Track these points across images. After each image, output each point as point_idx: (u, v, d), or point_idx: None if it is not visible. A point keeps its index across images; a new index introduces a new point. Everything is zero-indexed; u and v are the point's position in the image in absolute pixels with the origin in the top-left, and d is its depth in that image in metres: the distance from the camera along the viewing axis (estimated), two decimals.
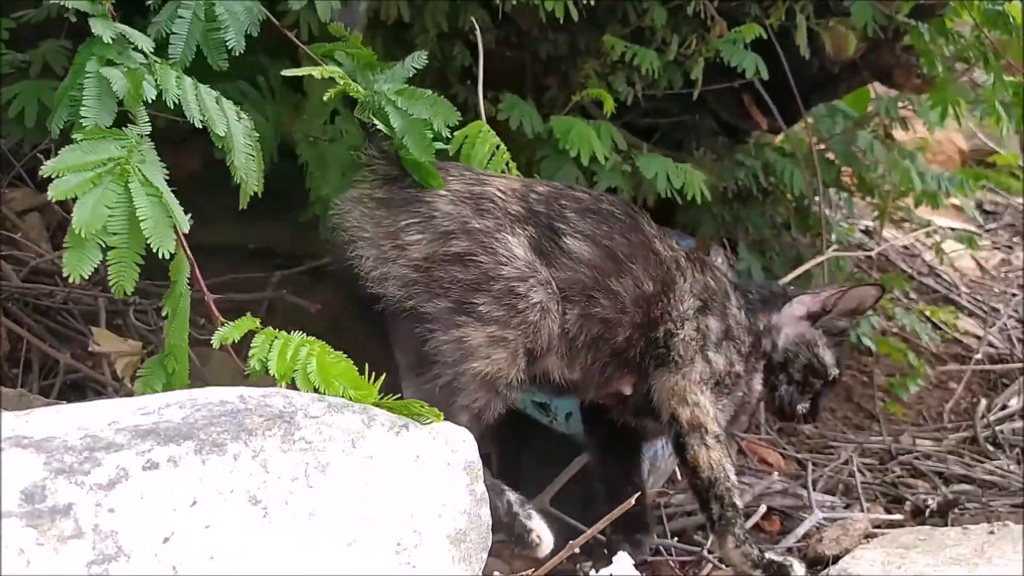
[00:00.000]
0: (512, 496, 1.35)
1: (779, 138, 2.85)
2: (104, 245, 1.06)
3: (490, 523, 1.07)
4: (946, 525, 2.28)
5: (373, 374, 1.16)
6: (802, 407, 1.71)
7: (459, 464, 1.05)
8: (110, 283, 1.10)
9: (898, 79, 2.17)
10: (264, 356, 1.14)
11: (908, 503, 2.51)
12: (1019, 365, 3.25)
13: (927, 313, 3.23)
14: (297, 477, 0.89)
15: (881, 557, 1.54)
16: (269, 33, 1.86)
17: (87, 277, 1.05)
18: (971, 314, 3.54)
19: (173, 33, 1.31)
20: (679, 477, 2.09)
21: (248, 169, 1.27)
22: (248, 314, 1.28)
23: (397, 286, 1.38)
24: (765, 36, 2.19)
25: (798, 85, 2.43)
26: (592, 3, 2.38)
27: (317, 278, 2.34)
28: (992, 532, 1.66)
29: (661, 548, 1.76)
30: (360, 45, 1.54)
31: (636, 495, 1.28)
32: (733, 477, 1.56)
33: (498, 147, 1.65)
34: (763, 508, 1.86)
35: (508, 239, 1.41)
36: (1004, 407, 3.10)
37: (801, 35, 2.10)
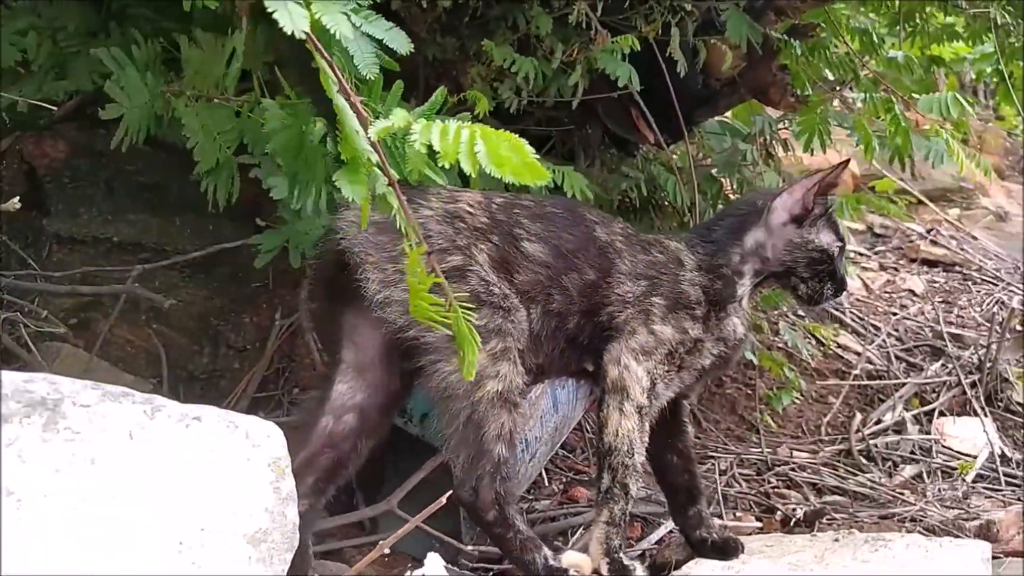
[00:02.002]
0: (548, 551, 1.43)
1: (680, 152, 2.89)
2: None
3: (297, 522, 1.02)
4: (811, 534, 2.34)
5: None
6: (828, 289, 1.68)
7: (262, 460, 1.00)
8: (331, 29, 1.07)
9: (774, 97, 2.22)
10: (426, 139, 1.06)
11: (778, 512, 2.57)
12: (895, 381, 3.37)
13: (809, 329, 3.32)
14: (60, 469, 0.83)
15: (721, 562, 1.55)
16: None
17: None
18: (854, 331, 3.66)
19: None
20: (547, 482, 2.09)
21: None
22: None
23: (399, 312, 1.42)
24: (640, 48, 2.22)
25: (683, 100, 2.46)
26: (478, 10, 2.40)
27: (186, 273, 2.26)
28: (837, 540, 1.70)
29: None
30: None
31: (447, 494, 1.25)
32: (637, 457, 1.53)
33: None
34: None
35: (479, 256, 1.49)
36: (879, 421, 3.20)
37: (675, 49, 2.13)
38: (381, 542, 1.16)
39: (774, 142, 2.60)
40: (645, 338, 1.56)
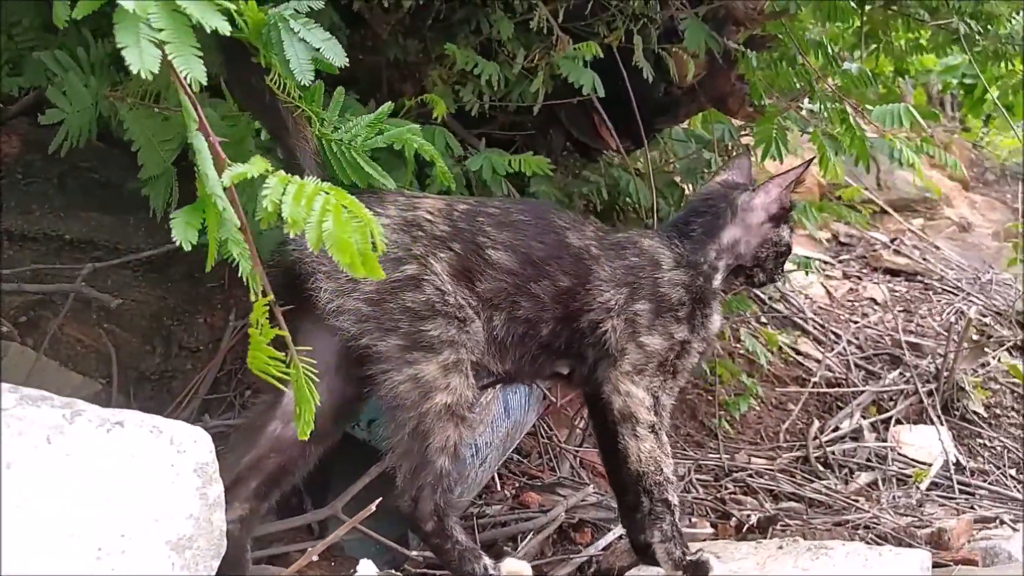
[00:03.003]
0: (488, 560, 1.41)
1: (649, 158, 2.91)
2: None
3: (224, 528, 1.02)
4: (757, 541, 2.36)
5: None
6: (777, 275, 1.76)
7: (187, 466, 0.99)
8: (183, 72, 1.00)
9: (732, 107, 2.24)
10: (277, 198, 1.03)
11: (733, 518, 2.58)
12: (853, 389, 3.41)
13: (767, 338, 3.34)
14: None
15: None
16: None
17: None
18: (815, 339, 3.69)
19: None
20: (499, 487, 2.09)
21: None
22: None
23: (352, 321, 1.41)
24: (604, 55, 2.23)
25: (644, 107, 2.47)
26: (442, 13, 2.39)
27: (140, 272, 2.24)
28: (780, 547, 1.71)
29: None
30: None
31: (378, 500, 1.25)
32: (667, 470, 1.56)
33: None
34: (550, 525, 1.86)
35: (435, 265, 1.46)
36: (836, 429, 3.24)
37: (639, 57, 2.14)
38: (310, 549, 1.15)
39: (736, 149, 2.63)
40: (636, 355, 1.57)
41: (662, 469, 1.55)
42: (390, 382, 1.41)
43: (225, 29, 0.99)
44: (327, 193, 1.05)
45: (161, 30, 0.95)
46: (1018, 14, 2.80)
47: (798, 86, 2.18)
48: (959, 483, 3.02)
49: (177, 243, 1.11)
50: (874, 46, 2.87)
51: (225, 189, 1.03)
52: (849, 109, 1.97)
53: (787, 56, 2.17)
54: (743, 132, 2.57)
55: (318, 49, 1.24)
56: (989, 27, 2.68)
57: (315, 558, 1.48)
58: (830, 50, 1.98)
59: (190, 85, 0.97)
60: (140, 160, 1.78)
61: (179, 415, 2.04)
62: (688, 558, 1.51)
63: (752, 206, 1.68)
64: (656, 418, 1.57)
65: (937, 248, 4.79)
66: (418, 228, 1.49)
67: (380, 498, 1.23)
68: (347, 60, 1.29)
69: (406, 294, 1.42)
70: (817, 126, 2.25)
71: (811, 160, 1.70)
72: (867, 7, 2.53)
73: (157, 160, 1.76)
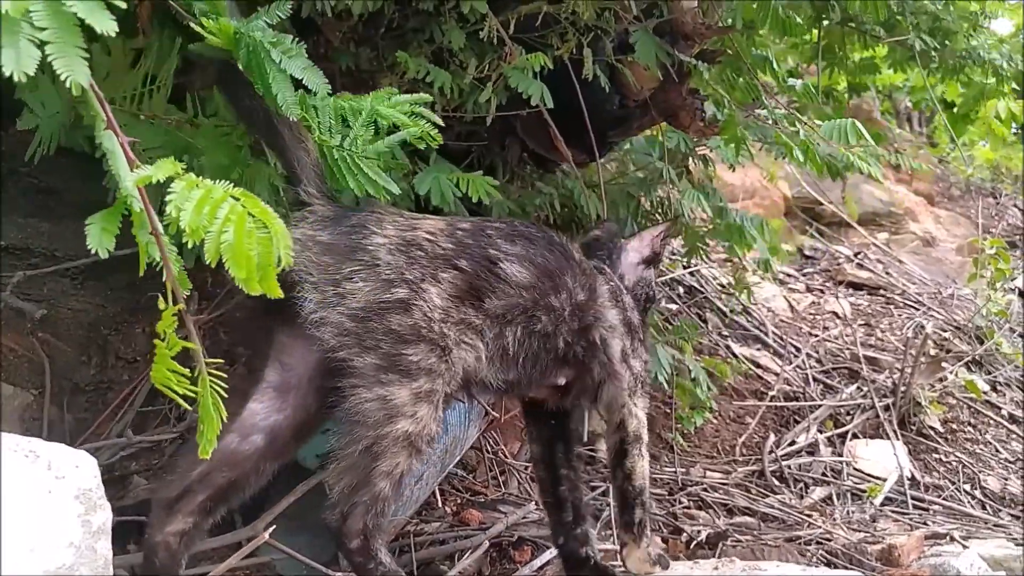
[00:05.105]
0: None
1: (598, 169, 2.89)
2: None
3: (110, 557, 0.97)
4: (714, 556, 2.35)
5: None
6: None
7: (67, 492, 0.95)
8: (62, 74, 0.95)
9: (684, 121, 2.23)
10: (181, 203, 0.98)
11: (684, 534, 2.57)
12: (810, 403, 3.41)
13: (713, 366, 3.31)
14: None
15: None
16: None
17: None
18: (775, 352, 3.69)
19: None
20: (439, 504, 2.06)
21: None
22: None
23: (333, 334, 1.38)
24: (556, 67, 2.21)
25: (599, 120, 2.46)
26: (394, 21, 2.37)
27: (78, 280, 2.18)
28: (716, 568, 1.70)
29: None
30: None
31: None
32: (649, 485, 1.72)
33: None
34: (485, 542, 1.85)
35: (430, 289, 1.43)
36: (793, 443, 3.23)
37: (589, 70, 2.13)
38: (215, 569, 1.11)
39: (691, 160, 2.62)
40: (628, 378, 1.66)
41: (648, 485, 1.71)
42: (357, 398, 1.38)
43: (111, 29, 0.95)
44: (236, 199, 1.01)
45: (44, 29, 0.91)
46: (975, 30, 2.81)
47: (751, 100, 2.17)
48: (913, 498, 3.03)
49: (93, 250, 1.06)
50: (827, 63, 2.87)
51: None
52: (799, 124, 1.97)
53: (737, 70, 2.17)
54: (698, 144, 2.57)
55: (300, 79, 1.22)
56: (947, 43, 2.69)
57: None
58: (776, 66, 1.97)
59: (70, 88, 0.93)
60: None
61: (113, 427, 1.99)
62: (658, 552, 1.70)
63: (628, 249, 1.84)
64: (647, 437, 1.72)
65: (901, 262, 4.82)
66: (417, 248, 1.46)
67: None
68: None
69: (393, 316, 1.39)
70: (778, 131, 2.25)
71: (676, 218, 1.99)
72: (823, 22, 2.53)
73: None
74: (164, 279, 1.08)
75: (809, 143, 1.95)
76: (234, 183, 1.52)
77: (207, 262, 0.97)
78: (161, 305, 1.07)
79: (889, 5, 2.58)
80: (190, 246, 0.98)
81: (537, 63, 2.07)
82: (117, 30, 0.95)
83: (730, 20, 1.88)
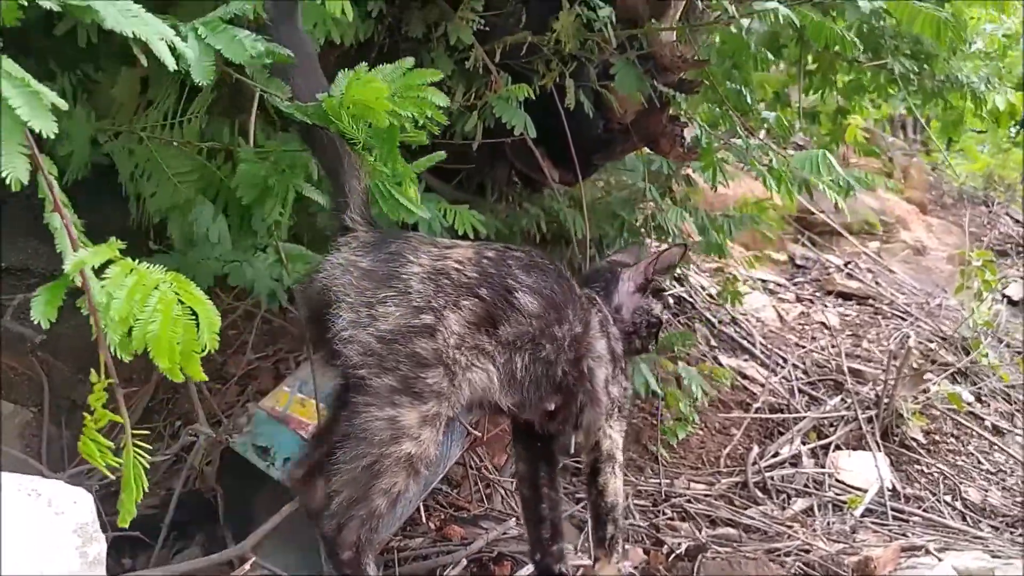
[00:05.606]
0: None
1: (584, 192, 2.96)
2: None
3: None
4: (694, 570, 2.41)
5: None
6: (652, 345, 1.97)
7: (66, 527, 1.03)
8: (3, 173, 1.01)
9: (664, 147, 2.29)
10: (113, 290, 1.03)
11: (666, 546, 2.63)
12: (795, 415, 3.47)
13: (708, 372, 3.39)
14: None
15: None
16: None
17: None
18: (762, 363, 3.75)
19: None
20: (423, 519, 2.13)
21: None
22: None
23: (358, 352, 1.47)
24: (545, 92, 2.28)
25: (585, 143, 2.53)
26: (385, 47, 2.43)
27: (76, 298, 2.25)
28: None
29: None
30: None
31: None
32: (623, 502, 1.82)
33: None
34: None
35: (450, 316, 1.52)
36: (776, 454, 3.29)
37: (571, 99, 2.19)
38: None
39: (675, 179, 2.68)
40: (606, 402, 1.76)
41: (621, 502, 1.81)
42: (369, 415, 1.46)
43: (51, 131, 1.00)
44: (169, 284, 1.05)
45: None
46: (955, 53, 2.87)
47: (729, 128, 2.24)
48: (893, 510, 3.08)
49: (36, 321, 1.08)
50: (816, 86, 2.94)
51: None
52: (772, 154, 2.03)
53: (714, 101, 2.24)
54: (681, 166, 2.63)
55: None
56: (926, 67, 2.75)
57: None
58: (749, 99, 2.04)
59: (9, 185, 0.99)
60: (148, 191, 1.79)
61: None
62: (629, 572, 1.80)
63: (625, 278, 1.90)
64: (622, 458, 1.81)
65: (892, 272, 4.88)
66: (445, 277, 1.54)
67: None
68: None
69: (419, 340, 1.48)
70: (753, 159, 2.31)
71: (674, 245, 1.97)
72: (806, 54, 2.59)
73: (170, 192, 1.78)
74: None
75: (781, 171, 2.02)
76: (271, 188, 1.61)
77: (134, 349, 1.01)
78: (93, 379, 1.10)
79: (873, 28, 2.65)
80: (116, 339, 1.02)
81: (521, 94, 2.14)
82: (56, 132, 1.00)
83: (708, 55, 1.95)
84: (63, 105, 1.01)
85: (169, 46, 1.18)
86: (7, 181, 1.00)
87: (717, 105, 2.23)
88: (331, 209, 1.63)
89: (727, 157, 2.42)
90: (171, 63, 1.19)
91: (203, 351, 1.04)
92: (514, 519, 2.20)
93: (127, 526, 1.09)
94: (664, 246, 2.07)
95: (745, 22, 2.06)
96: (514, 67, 2.40)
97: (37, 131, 1.00)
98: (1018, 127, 5.13)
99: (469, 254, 1.61)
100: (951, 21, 1.73)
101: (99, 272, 1.08)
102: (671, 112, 2.26)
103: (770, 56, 1.98)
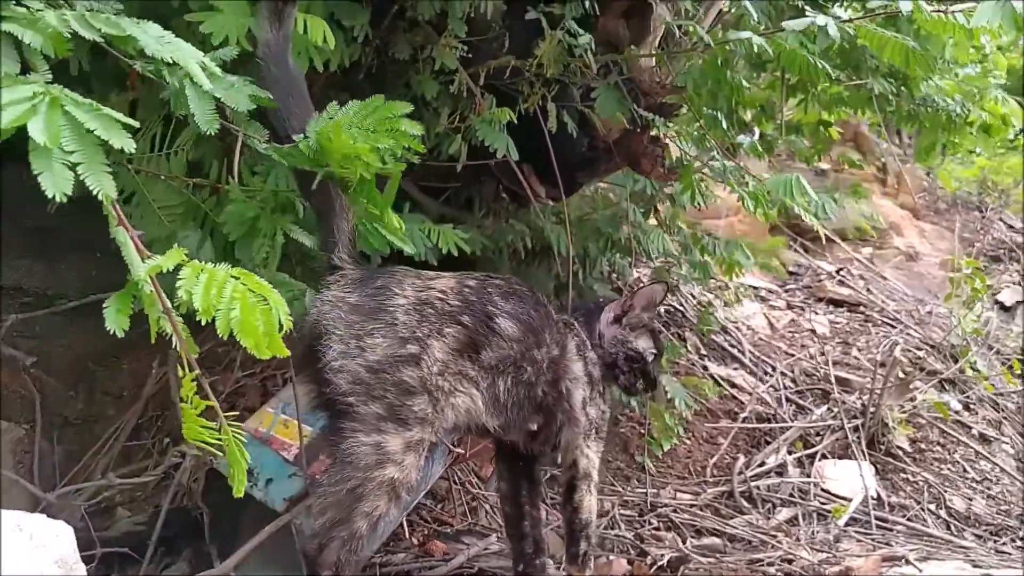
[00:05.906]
0: None
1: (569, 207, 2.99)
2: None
3: None
4: None
5: None
6: (639, 384, 2.00)
7: (47, 559, 1.07)
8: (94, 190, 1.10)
9: (645, 167, 2.33)
10: (191, 288, 1.14)
11: (649, 556, 2.67)
12: (781, 425, 3.50)
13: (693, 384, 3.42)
14: None
15: None
16: None
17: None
18: (751, 372, 3.79)
19: None
20: (407, 534, 2.18)
21: None
22: None
23: (348, 380, 1.53)
24: (530, 110, 2.31)
25: (569, 161, 2.57)
26: (373, 68, 2.47)
27: (68, 316, 2.30)
28: None
29: None
30: None
31: None
32: (595, 519, 1.90)
33: None
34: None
35: (434, 344, 1.59)
36: (762, 464, 3.33)
37: (552, 121, 2.23)
38: None
39: (658, 199, 2.72)
40: (584, 422, 1.83)
41: (593, 519, 1.89)
42: (355, 440, 1.52)
43: (130, 147, 1.08)
44: (237, 279, 1.15)
45: (72, 152, 1.05)
46: (933, 74, 2.90)
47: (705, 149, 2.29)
48: (877, 519, 3.11)
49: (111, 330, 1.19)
50: (801, 99, 2.97)
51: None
52: (748, 177, 2.07)
53: (693, 124, 2.28)
54: (665, 185, 2.67)
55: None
56: (903, 88, 2.78)
57: None
58: (725, 125, 2.08)
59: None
60: (139, 226, 1.84)
61: (99, 460, 2.12)
62: None
63: (606, 310, 1.99)
64: (597, 477, 1.89)
65: (884, 278, 4.90)
66: (429, 307, 1.62)
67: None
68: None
69: (406, 369, 1.55)
70: (730, 180, 2.35)
71: (655, 282, 2.07)
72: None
73: (156, 224, 1.82)
74: (176, 349, 1.21)
75: (758, 193, 2.06)
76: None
77: (220, 335, 1.11)
78: (180, 373, 1.21)
79: (854, 45, 2.68)
80: (203, 323, 1.12)
81: (503, 117, 2.18)
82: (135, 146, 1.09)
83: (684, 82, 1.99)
84: (134, 124, 1.12)
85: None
86: (99, 195, 1.10)
87: (696, 129, 2.27)
88: (319, 249, 1.69)
89: (705, 181, 2.46)
90: (206, 83, 1.29)
91: (280, 330, 1.13)
92: (495, 535, 2.24)
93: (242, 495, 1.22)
94: (644, 281, 2.14)
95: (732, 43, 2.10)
96: (499, 87, 2.44)
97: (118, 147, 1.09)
98: (1017, 132, 5.12)
99: (451, 284, 1.69)
100: (918, 51, 1.77)
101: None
102: (652, 133, 2.30)
103: (745, 84, 2.02)
